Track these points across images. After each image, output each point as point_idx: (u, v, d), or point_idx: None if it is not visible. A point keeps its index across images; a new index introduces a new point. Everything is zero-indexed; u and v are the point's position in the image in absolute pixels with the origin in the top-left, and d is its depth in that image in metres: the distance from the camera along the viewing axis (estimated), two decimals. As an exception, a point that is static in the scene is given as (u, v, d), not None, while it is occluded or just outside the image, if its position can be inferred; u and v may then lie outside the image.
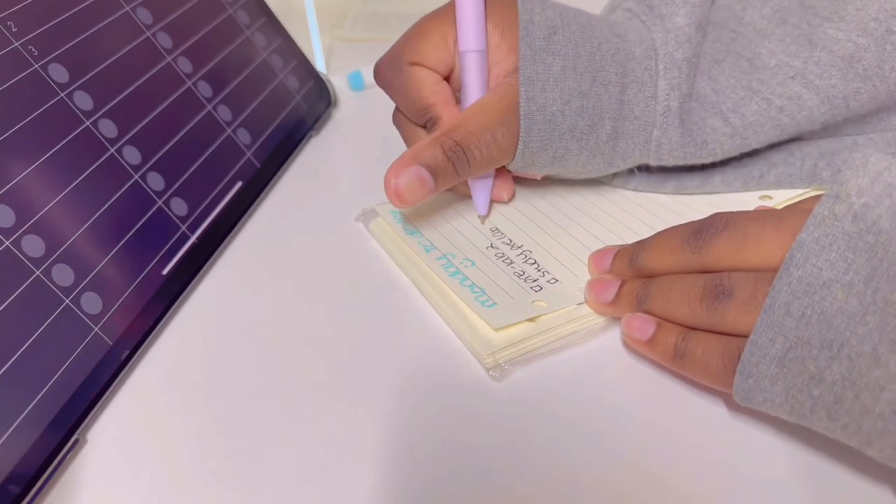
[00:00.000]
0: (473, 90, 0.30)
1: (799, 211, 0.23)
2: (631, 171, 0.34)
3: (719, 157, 0.31)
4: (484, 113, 0.29)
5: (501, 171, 0.33)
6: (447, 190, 0.35)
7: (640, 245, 0.28)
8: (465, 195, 0.34)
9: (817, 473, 0.22)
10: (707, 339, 0.24)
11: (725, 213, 0.25)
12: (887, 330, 0.19)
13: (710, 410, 0.25)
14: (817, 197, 0.23)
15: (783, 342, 0.21)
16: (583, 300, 0.28)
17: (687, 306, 0.24)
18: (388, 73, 0.31)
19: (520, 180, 0.35)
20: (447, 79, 0.31)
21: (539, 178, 0.34)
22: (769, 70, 0.30)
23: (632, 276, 0.28)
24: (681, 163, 0.31)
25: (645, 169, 0.34)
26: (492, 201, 0.34)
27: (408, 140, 0.33)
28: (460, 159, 0.29)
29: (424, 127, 0.32)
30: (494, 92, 0.30)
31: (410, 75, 0.30)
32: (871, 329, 0.20)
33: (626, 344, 0.27)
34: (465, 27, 0.29)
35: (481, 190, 0.33)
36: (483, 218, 0.33)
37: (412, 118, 0.32)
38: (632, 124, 0.30)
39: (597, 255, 0.30)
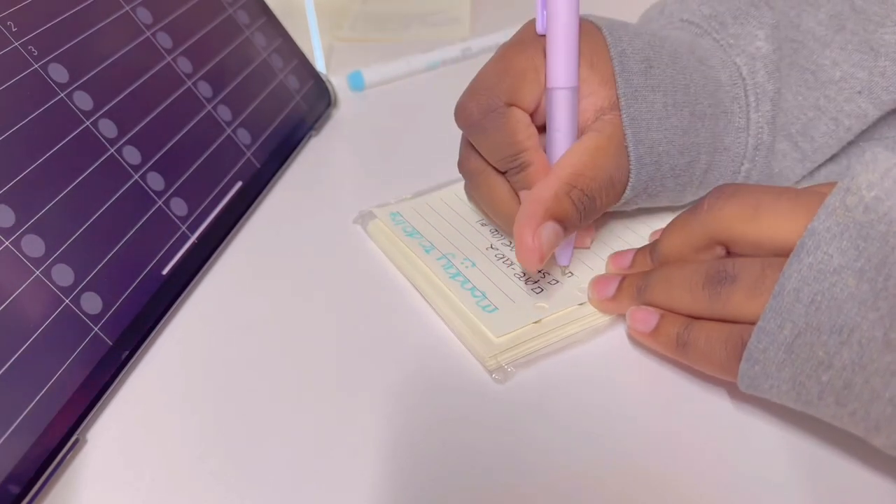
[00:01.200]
0: (565, 131, 0.27)
1: (813, 192, 0.23)
2: None
3: (790, 183, 0.31)
4: (600, 157, 0.27)
5: None
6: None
7: (658, 234, 0.28)
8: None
9: (819, 472, 0.22)
10: (710, 328, 0.24)
11: (732, 184, 0.25)
12: None
13: (713, 411, 0.25)
14: (830, 183, 0.23)
15: (792, 328, 0.21)
16: (584, 300, 0.28)
17: (689, 293, 0.24)
18: (481, 116, 0.28)
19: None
20: (532, 114, 0.29)
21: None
22: (835, 84, 0.29)
23: (649, 268, 0.28)
24: None
25: None
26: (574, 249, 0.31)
27: (483, 185, 0.30)
28: (589, 210, 0.27)
29: (504, 173, 0.29)
30: (600, 132, 0.27)
31: (507, 118, 0.27)
32: (883, 314, 0.20)
33: (628, 343, 0.27)
34: (556, 62, 0.27)
35: (567, 241, 0.29)
36: (565, 268, 0.30)
37: (497, 163, 0.29)
38: (722, 156, 0.30)
39: (616, 255, 0.29)
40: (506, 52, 0.29)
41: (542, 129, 0.29)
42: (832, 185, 0.22)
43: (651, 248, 0.28)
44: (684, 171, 0.29)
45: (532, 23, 0.28)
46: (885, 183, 0.21)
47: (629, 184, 0.28)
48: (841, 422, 0.21)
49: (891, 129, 0.31)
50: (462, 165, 0.31)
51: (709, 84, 0.29)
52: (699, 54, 0.30)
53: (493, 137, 0.28)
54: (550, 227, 0.26)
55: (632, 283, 0.27)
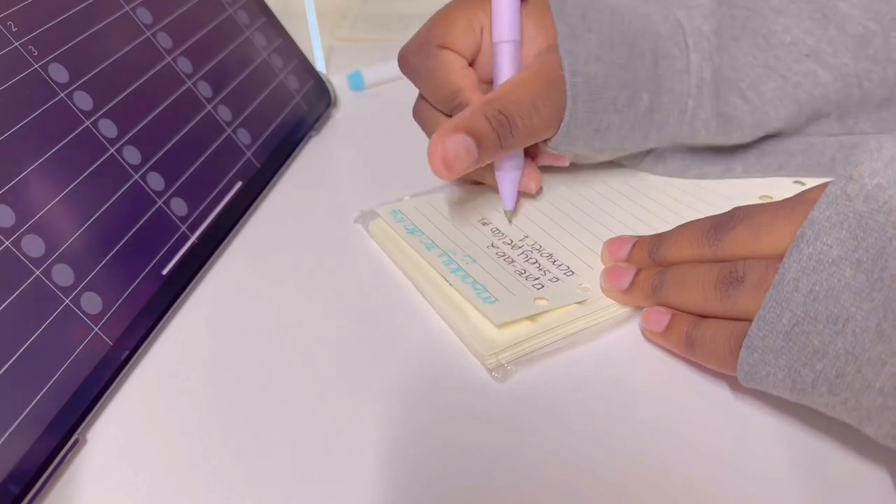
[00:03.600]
0: (507, 79, 0.30)
1: (808, 201, 0.24)
2: (656, 159, 0.35)
3: (745, 134, 0.32)
4: (523, 86, 0.29)
5: (528, 163, 0.33)
6: (476, 182, 0.35)
7: (660, 238, 0.28)
8: (492, 188, 0.34)
9: (817, 465, 0.22)
10: (716, 325, 0.24)
11: (743, 208, 0.26)
12: (892, 306, 0.20)
13: (714, 410, 0.25)
14: (823, 185, 0.23)
15: (790, 317, 0.21)
16: (584, 298, 0.28)
17: (701, 293, 0.25)
18: (416, 58, 0.31)
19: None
20: (471, 65, 0.31)
21: (567, 163, 0.34)
22: (785, 47, 0.31)
23: (648, 265, 0.28)
24: (712, 138, 0.32)
25: (669, 155, 0.34)
26: (519, 194, 0.33)
27: (432, 131, 0.33)
28: (504, 128, 0.28)
29: (450, 116, 0.31)
30: (529, 69, 0.30)
31: (439, 59, 0.30)
32: (877, 305, 0.20)
33: (628, 343, 0.27)
34: (500, 17, 0.29)
35: (509, 183, 0.32)
36: (510, 214, 0.33)
37: (438, 104, 0.31)
38: (667, 97, 0.31)
39: (613, 243, 0.30)
40: (444, 7, 0.32)
41: (487, 81, 0.32)
42: (824, 188, 0.22)
43: (652, 246, 0.28)
44: (626, 107, 0.30)
45: None
46: (889, 171, 0.21)
47: (567, 111, 0.29)
48: (834, 411, 0.21)
49: (867, 120, 0.32)
50: (415, 112, 0.34)
51: (648, 33, 0.31)
52: (641, 12, 0.31)
53: (428, 78, 0.31)
54: (460, 139, 0.27)
55: (647, 280, 0.27)
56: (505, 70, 0.30)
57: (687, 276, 0.26)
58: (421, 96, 0.33)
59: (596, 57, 0.29)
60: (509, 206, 0.32)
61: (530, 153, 0.33)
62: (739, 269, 0.24)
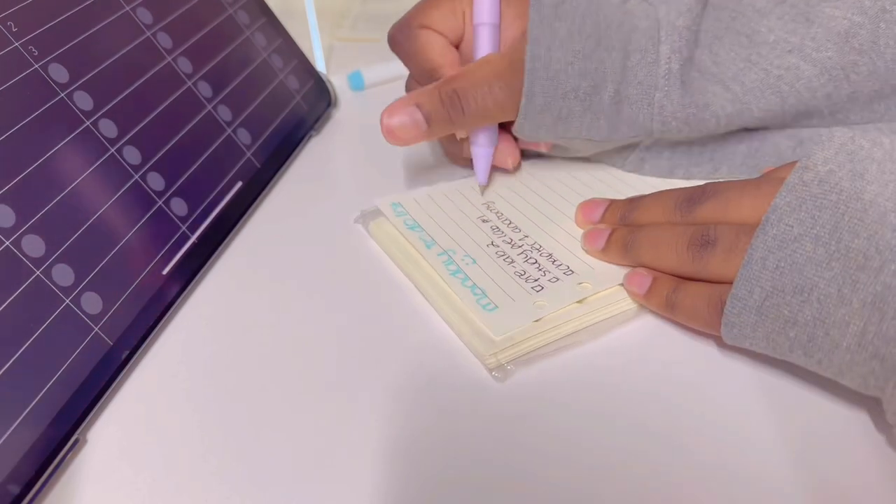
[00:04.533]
0: None
1: (774, 179, 0.26)
2: (642, 158, 0.35)
3: (723, 123, 0.32)
4: (484, 67, 0.31)
5: (506, 138, 0.34)
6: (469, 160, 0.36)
7: (633, 202, 0.30)
8: (469, 172, 0.35)
9: (822, 450, 0.22)
10: (694, 289, 0.26)
11: (714, 184, 0.28)
12: (849, 272, 0.22)
13: (715, 409, 0.25)
14: (789, 165, 0.26)
15: (760, 292, 0.23)
16: (583, 296, 0.28)
17: (675, 253, 0.27)
18: (400, 36, 0.33)
19: (525, 174, 0.35)
20: (456, 48, 0.33)
21: (545, 149, 0.35)
22: (768, 45, 0.32)
23: (620, 227, 0.30)
24: (685, 130, 0.32)
25: (655, 154, 0.35)
26: (493, 170, 0.34)
27: None
28: (455, 106, 0.30)
29: None
30: (499, 52, 0.32)
31: (420, 38, 0.33)
32: (836, 273, 0.22)
33: (628, 342, 0.27)
34: (480, 1, 0.31)
35: (482, 159, 0.33)
36: (483, 188, 0.34)
37: (421, 81, 0.33)
38: (635, 89, 0.31)
39: (585, 206, 0.32)
40: None
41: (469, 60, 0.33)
42: (789, 167, 0.25)
43: (625, 210, 0.30)
44: (589, 96, 0.31)
45: None
46: (839, 157, 0.23)
47: (523, 96, 0.30)
48: (812, 368, 0.23)
49: (859, 113, 0.33)
50: (406, 87, 0.36)
51: (625, 26, 0.31)
52: (625, 8, 0.32)
53: (410, 55, 0.33)
54: (408, 111, 0.30)
55: (619, 238, 0.29)
56: (482, 52, 0.32)
57: (660, 237, 0.28)
58: (411, 74, 0.35)
59: (560, 44, 0.30)
60: (482, 180, 0.34)
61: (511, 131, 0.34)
62: (711, 232, 0.26)
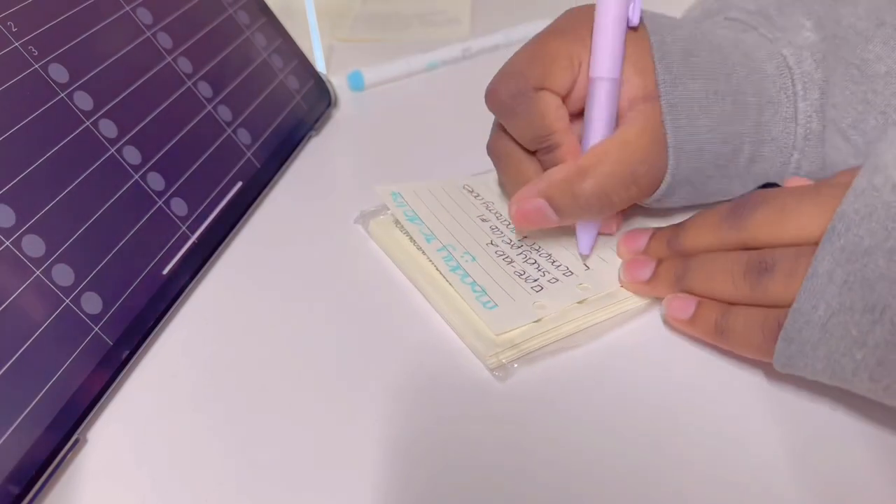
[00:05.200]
0: (602, 122, 0.28)
1: (834, 185, 0.24)
2: None
3: None
4: (626, 150, 0.27)
5: None
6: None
7: (678, 227, 0.28)
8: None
9: (821, 454, 0.22)
10: (747, 313, 0.24)
11: (761, 191, 0.25)
12: None
13: (716, 409, 0.25)
14: (851, 170, 0.23)
15: (826, 308, 0.21)
16: (583, 298, 0.28)
17: (731, 283, 0.25)
18: (510, 99, 0.28)
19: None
20: (565, 99, 0.29)
21: (615, 233, 0.32)
22: (881, 79, 0.29)
23: (667, 256, 0.28)
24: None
25: None
26: (598, 235, 0.31)
27: (510, 167, 0.31)
28: (594, 207, 0.28)
29: (534, 153, 0.30)
30: (631, 124, 0.28)
31: (539, 102, 0.28)
32: None
33: (628, 341, 0.27)
34: (602, 52, 0.27)
35: (588, 230, 0.30)
36: (585, 257, 0.31)
37: (527, 144, 0.29)
38: (769, 147, 0.29)
39: (628, 236, 0.30)
40: (541, 37, 0.29)
41: (577, 116, 0.29)
42: (850, 172, 0.22)
43: (671, 236, 0.28)
44: (729, 161, 0.29)
45: (570, 11, 0.29)
46: None
47: (668, 171, 0.28)
48: (875, 395, 0.22)
49: None
50: (492, 147, 0.32)
51: (753, 75, 0.29)
52: (743, 48, 0.29)
53: (522, 120, 0.29)
54: (537, 204, 0.28)
55: (670, 269, 0.27)
56: (601, 111, 0.28)
57: (713, 265, 0.26)
58: (500, 130, 0.31)
59: (701, 109, 0.27)
60: (585, 251, 0.30)
61: None
62: (768, 257, 0.24)
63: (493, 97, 0.29)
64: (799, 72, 0.29)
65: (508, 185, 0.32)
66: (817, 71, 0.29)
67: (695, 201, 0.30)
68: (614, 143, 0.27)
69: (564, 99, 0.29)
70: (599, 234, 0.31)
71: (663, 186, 0.28)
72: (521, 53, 0.29)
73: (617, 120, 0.28)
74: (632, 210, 0.32)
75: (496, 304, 0.28)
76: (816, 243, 0.22)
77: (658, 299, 0.28)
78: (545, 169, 0.29)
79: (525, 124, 0.29)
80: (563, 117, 0.28)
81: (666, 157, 0.28)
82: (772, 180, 0.31)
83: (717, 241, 0.26)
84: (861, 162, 0.29)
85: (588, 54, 0.28)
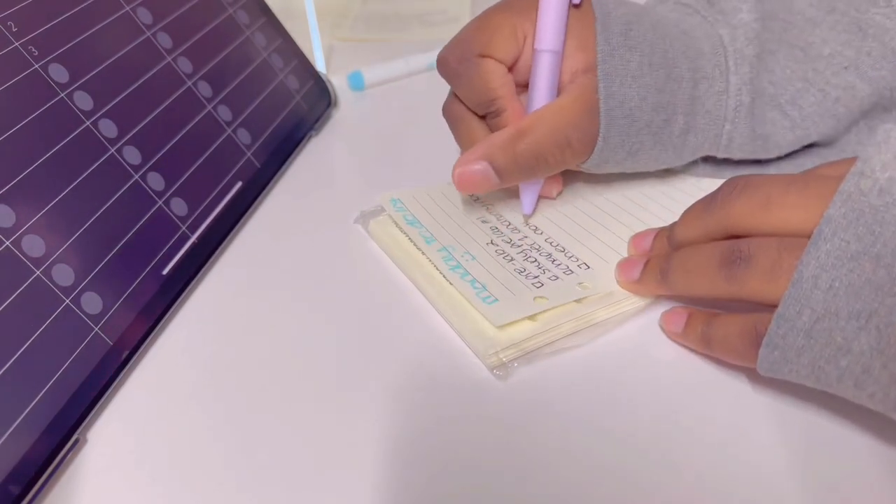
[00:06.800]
0: (543, 91, 0.30)
1: (821, 177, 0.23)
2: (694, 161, 0.34)
3: (783, 151, 0.32)
4: (561, 115, 0.29)
5: None
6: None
7: (675, 222, 0.28)
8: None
9: (821, 454, 0.22)
10: (726, 322, 0.25)
11: (743, 176, 0.25)
12: None
13: (716, 408, 0.25)
14: (838, 162, 0.24)
15: (810, 314, 0.21)
16: (583, 296, 0.28)
17: (706, 277, 0.25)
18: (456, 64, 0.31)
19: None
20: (510, 70, 0.31)
21: (555, 196, 0.34)
22: (823, 59, 0.30)
23: (667, 252, 0.28)
24: (748, 156, 0.32)
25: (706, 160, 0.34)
26: (539, 198, 0.33)
27: (462, 129, 0.33)
28: (531, 166, 0.29)
29: (483, 117, 0.32)
30: (568, 92, 0.29)
31: (480, 67, 0.30)
32: None
33: (629, 340, 0.27)
34: (545, 26, 0.29)
35: (530, 191, 0.32)
36: (527, 217, 0.33)
37: (475, 108, 0.32)
38: (703, 119, 0.31)
39: (636, 237, 0.30)
40: (488, 11, 0.31)
41: (524, 86, 0.31)
42: (837, 165, 0.23)
43: (669, 233, 0.28)
44: (661, 129, 0.30)
45: None
46: None
47: (600, 136, 0.29)
48: (860, 401, 0.21)
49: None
50: (445, 110, 0.34)
51: (690, 51, 0.30)
52: (684, 27, 0.31)
53: (467, 84, 0.31)
54: (481, 167, 0.29)
55: (654, 268, 0.27)
56: (543, 82, 0.29)
57: (690, 260, 0.26)
58: (454, 95, 0.33)
59: (632, 80, 0.29)
60: (527, 210, 0.33)
61: None
62: (744, 247, 0.23)
63: (442, 62, 0.32)
64: (732, 49, 0.31)
65: (461, 144, 0.34)
66: (748, 47, 0.31)
67: (632, 168, 0.32)
68: (550, 109, 0.29)
69: (511, 69, 0.31)
70: (543, 197, 0.33)
71: (596, 151, 0.30)
72: (469, 24, 0.31)
73: (560, 92, 0.30)
74: (575, 176, 0.34)
75: (496, 299, 0.28)
76: (799, 235, 0.22)
77: (658, 299, 0.28)
78: (492, 131, 0.31)
79: (470, 88, 0.31)
80: (506, 84, 0.30)
81: (598, 125, 0.29)
82: (708, 153, 0.32)
83: (702, 230, 0.26)
84: (798, 136, 0.31)
85: (533, 28, 0.30)
